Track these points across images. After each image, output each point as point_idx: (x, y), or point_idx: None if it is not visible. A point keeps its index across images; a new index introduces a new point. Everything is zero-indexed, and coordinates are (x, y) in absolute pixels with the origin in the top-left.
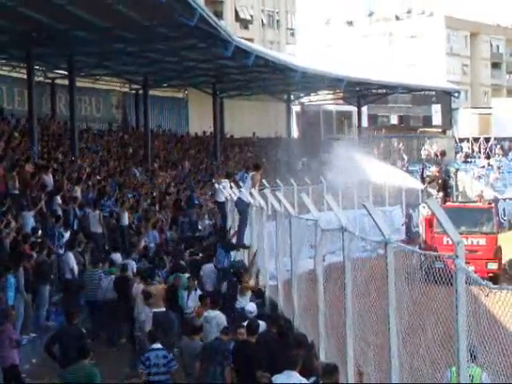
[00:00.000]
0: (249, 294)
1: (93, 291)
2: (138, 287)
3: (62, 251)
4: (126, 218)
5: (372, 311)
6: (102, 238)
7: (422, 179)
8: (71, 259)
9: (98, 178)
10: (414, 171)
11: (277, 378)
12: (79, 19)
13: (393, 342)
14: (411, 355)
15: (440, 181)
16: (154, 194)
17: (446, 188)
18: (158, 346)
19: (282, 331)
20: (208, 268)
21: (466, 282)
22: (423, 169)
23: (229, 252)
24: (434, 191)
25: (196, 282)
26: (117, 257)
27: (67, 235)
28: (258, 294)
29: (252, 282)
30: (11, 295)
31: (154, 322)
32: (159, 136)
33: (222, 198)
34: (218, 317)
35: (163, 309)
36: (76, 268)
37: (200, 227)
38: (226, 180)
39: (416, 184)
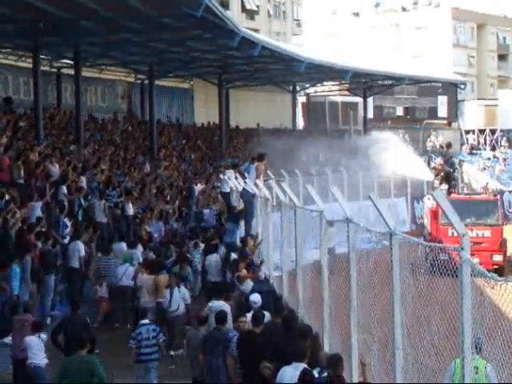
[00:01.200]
0: (248, 281)
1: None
2: (142, 277)
3: (66, 241)
4: (130, 208)
5: (376, 303)
6: (107, 228)
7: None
8: (81, 247)
9: (103, 167)
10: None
11: (285, 370)
12: (85, 9)
13: (397, 334)
14: (415, 347)
15: (442, 173)
16: (158, 184)
17: (449, 180)
18: (147, 321)
19: (287, 322)
20: (212, 258)
21: (471, 274)
22: (429, 160)
23: (238, 223)
24: (437, 183)
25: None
26: (122, 246)
27: (69, 225)
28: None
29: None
30: (16, 285)
31: (158, 311)
32: (165, 126)
33: (226, 189)
34: (222, 307)
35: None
36: (83, 254)
37: (205, 217)
38: (231, 170)
39: (427, 175)
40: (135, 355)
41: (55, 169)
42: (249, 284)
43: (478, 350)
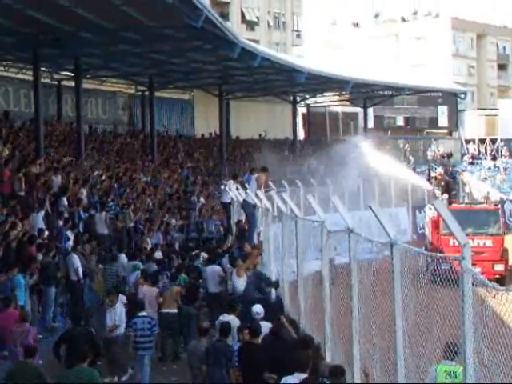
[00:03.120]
0: (244, 276)
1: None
2: (143, 289)
3: (67, 252)
4: (131, 220)
5: (378, 313)
6: (108, 240)
7: (429, 180)
8: (76, 260)
9: (103, 178)
10: (421, 173)
11: (287, 379)
12: (85, 21)
13: (399, 344)
14: (417, 357)
15: (443, 183)
16: (159, 195)
17: (449, 190)
18: (144, 313)
19: (287, 333)
20: (211, 269)
21: (473, 284)
22: (429, 170)
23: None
24: (438, 192)
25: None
26: (122, 258)
27: (72, 237)
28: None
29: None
30: (22, 295)
31: (162, 322)
32: (165, 137)
33: (227, 199)
34: (233, 321)
35: (174, 310)
36: (81, 269)
37: (205, 228)
38: (231, 181)
39: (425, 184)
40: (132, 343)
41: (57, 180)
42: (241, 281)
43: (454, 354)
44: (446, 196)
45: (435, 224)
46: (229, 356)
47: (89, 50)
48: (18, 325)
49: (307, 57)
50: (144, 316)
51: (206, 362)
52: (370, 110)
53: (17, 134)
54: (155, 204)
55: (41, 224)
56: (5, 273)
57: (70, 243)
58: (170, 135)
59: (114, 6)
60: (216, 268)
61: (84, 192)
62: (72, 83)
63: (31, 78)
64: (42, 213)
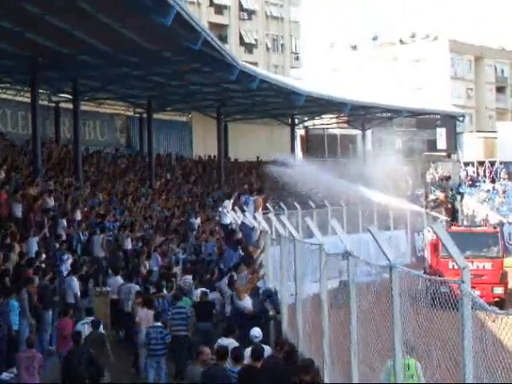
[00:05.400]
0: (246, 296)
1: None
2: (140, 313)
3: (65, 275)
4: (128, 242)
5: (377, 336)
6: (105, 262)
7: (427, 203)
8: (75, 283)
9: (101, 200)
10: (419, 196)
11: None
12: (84, 43)
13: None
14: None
15: (449, 205)
16: (156, 218)
17: (453, 212)
18: (158, 324)
19: (288, 356)
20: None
21: (472, 307)
22: (426, 193)
23: (236, 251)
24: (440, 216)
25: None
26: (117, 280)
27: (70, 259)
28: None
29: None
30: (15, 319)
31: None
32: (163, 160)
33: (226, 221)
34: (231, 345)
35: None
36: (79, 293)
37: (203, 250)
38: (228, 201)
39: (417, 208)
40: (147, 350)
41: (52, 202)
42: (246, 300)
43: (410, 350)
44: (445, 218)
45: (434, 247)
46: (226, 381)
47: (87, 72)
48: (25, 350)
49: (305, 79)
50: (157, 326)
51: None
52: (369, 133)
53: (14, 156)
54: (153, 226)
55: (35, 248)
56: (3, 298)
57: (68, 266)
58: (170, 156)
59: (113, 28)
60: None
61: (79, 214)
62: (70, 105)
63: (29, 100)
64: (37, 238)
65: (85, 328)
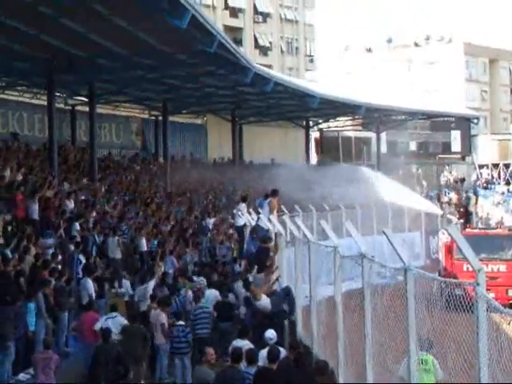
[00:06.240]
0: (263, 296)
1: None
2: (154, 314)
3: (80, 277)
4: (144, 244)
5: (392, 338)
6: (121, 263)
7: (441, 205)
8: (90, 285)
9: (117, 203)
10: (433, 197)
11: None
12: (100, 46)
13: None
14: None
15: (462, 209)
16: (172, 220)
17: (467, 215)
18: (180, 322)
19: (301, 358)
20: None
21: (487, 310)
22: (439, 195)
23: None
24: (454, 218)
25: None
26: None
27: (84, 261)
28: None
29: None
30: (32, 320)
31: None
32: (178, 162)
33: (240, 223)
34: (246, 347)
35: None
36: (94, 294)
37: (218, 253)
38: (243, 204)
39: (434, 209)
40: (170, 349)
41: (71, 205)
42: (264, 299)
43: (429, 347)
44: (459, 221)
45: (448, 249)
46: (240, 383)
47: (103, 75)
48: (42, 351)
49: (320, 82)
50: (180, 325)
51: None
52: (383, 135)
53: (30, 159)
54: (168, 229)
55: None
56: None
57: (82, 267)
58: (183, 159)
59: (128, 31)
60: (214, 293)
61: (94, 216)
62: (86, 108)
63: (45, 103)
64: (53, 240)
65: (108, 323)
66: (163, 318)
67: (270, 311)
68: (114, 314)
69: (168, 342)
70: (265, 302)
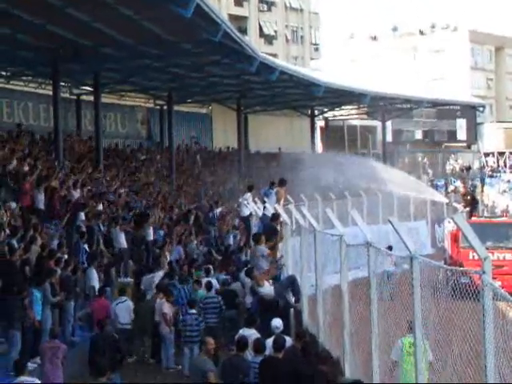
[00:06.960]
0: (266, 283)
1: None
2: (160, 303)
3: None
4: (150, 234)
5: (398, 327)
6: (127, 253)
7: (447, 194)
8: (94, 275)
9: (122, 191)
10: (439, 186)
11: None
12: (105, 35)
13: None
14: (437, 372)
15: (469, 196)
16: (177, 209)
17: (473, 203)
18: (193, 311)
19: (307, 347)
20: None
21: (493, 298)
22: (446, 184)
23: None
24: (459, 206)
25: None
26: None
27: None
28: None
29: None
30: (38, 309)
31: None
32: (184, 151)
33: (246, 213)
34: (253, 336)
35: None
36: (97, 284)
37: (225, 242)
38: (249, 193)
39: (440, 198)
40: (183, 337)
41: (77, 194)
42: (267, 287)
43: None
44: (465, 209)
45: (454, 237)
46: (246, 372)
47: (108, 64)
48: (49, 341)
49: (325, 70)
50: (192, 313)
51: (222, 377)
52: (389, 124)
53: (36, 149)
54: (173, 218)
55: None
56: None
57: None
58: (189, 149)
59: (134, 21)
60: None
61: (100, 205)
62: (91, 98)
63: (50, 93)
64: (59, 229)
65: (118, 307)
66: (166, 307)
67: (274, 298)
68: (124, 298)
69: (172, 332)
70: (268, 289)
